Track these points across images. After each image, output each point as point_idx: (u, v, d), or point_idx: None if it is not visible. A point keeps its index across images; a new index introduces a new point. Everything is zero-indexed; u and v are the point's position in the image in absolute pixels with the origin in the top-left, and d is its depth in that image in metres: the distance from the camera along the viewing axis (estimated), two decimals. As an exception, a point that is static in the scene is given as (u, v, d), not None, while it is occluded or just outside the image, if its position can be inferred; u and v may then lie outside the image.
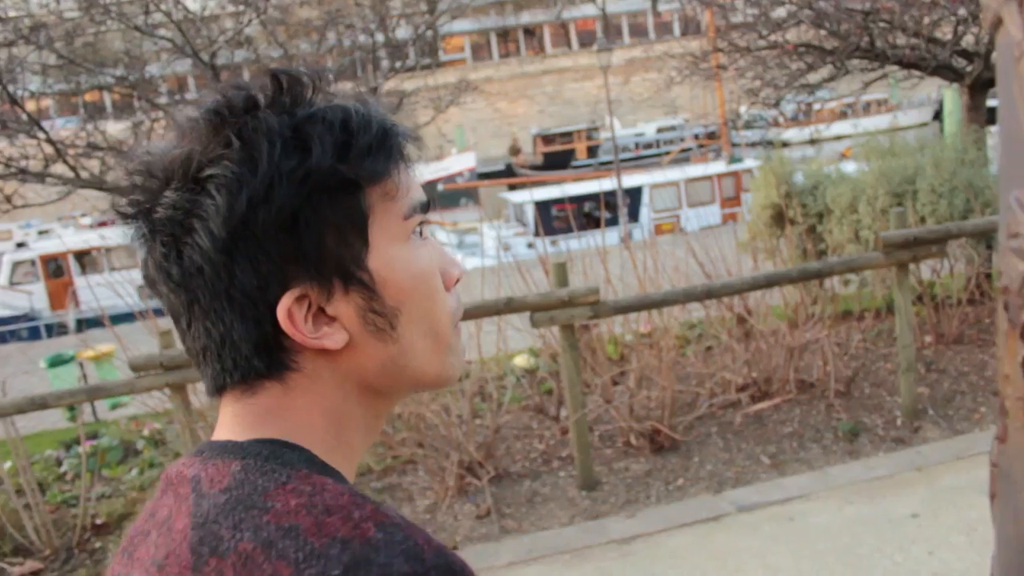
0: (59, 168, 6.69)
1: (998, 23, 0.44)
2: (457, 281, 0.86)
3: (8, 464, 5.96)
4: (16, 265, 22.29)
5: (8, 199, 6.42)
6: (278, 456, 0.73)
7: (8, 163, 6.40)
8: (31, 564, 4.97)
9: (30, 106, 6.92)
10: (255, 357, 0.76)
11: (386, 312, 0.78)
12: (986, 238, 6.76)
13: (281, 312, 0.74)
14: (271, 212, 0.72)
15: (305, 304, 0.75)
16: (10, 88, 6.11)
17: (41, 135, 6.25)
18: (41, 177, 6.31)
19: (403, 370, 0.80)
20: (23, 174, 6.23)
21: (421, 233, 0.82)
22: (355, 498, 0.69)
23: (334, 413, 0.79)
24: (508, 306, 4.94)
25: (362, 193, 0.77)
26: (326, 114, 0.76)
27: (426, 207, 0.82)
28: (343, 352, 0.78)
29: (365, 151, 0.76)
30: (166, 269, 0.75)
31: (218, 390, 0.79)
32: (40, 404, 4.73)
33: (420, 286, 0.80)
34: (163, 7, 6.41)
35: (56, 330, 19.41)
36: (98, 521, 5.35)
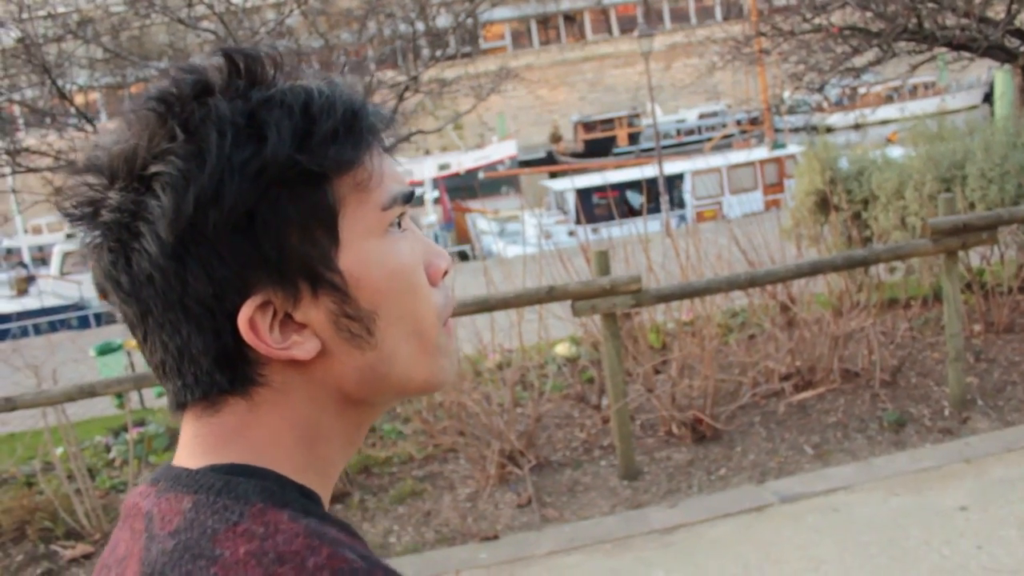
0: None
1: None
2: (445, 274, 0.78)
3: (60, 450, 6.11)
4: (66, 255, 22.80)
5: (58, 191, 6.55)
6: (232, 489, 0.66)
7: (58, 156, 6.53)
8: (82, 547, 5.09)
9: (78, 100, 7.04)
10: (216, 372, 0.69)
11: (361, 316, 0.71)
12: (1038, 224, 6.60)
13: (242, 322, 0.67)
14: (222, 212, 0.65)
15: (269, 311, 0.68)
16: (59, 82, 6.23)
17: (89, 128, 6.37)
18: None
19: (385, 378, 0.73)
20: (73, 167, 6.35)
21: (400, 224, 0.74)
22: (310, 540, 0.63)
23: (306, 428, 0.72)
24: (550, 295, 4.94)
25: (329, 185, 0.69)
26: (285, 97, 0.68)
27: (409, 198, 0.74)
28: (316, 362, 0.70)
29: (329, 137, 0.69)
30: (115, 278, 0.68)
31: (179, 407, 0.72)
32: (89, 392, 4.83)
33: (399, 284, 0.72)
34: (208, 1, 6.49)
35: (105, 319, 19.80)
36: (146, 507, 5.45)
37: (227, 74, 0.69)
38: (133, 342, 9.70)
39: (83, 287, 21.87)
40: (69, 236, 24.27)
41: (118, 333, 13.16)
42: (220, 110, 0.67)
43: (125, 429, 6.88)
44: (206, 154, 0.65)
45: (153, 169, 0.66)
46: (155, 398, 9.07)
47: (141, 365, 9.74)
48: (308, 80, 0.71)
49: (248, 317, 0.67)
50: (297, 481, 0.70)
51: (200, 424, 0.71)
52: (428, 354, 0.75)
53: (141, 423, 7.16)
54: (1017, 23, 7.96)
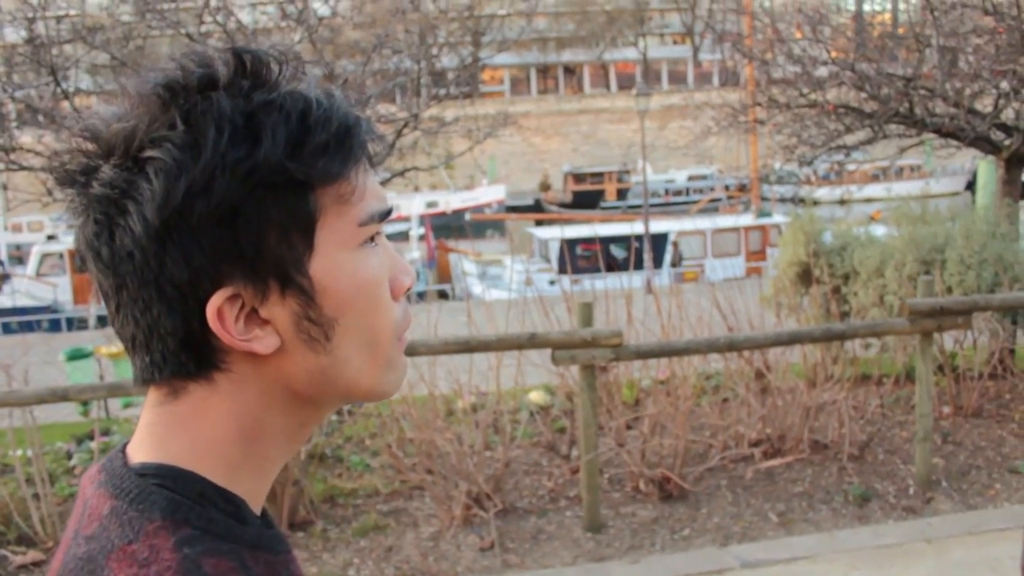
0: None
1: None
2: (407, 290, 0.80)
3: (19, 452, 6.02)
4: (44, 257, 22.60)
5: (50, 192, 6.54)
6: (143, 499, 0.70)
7: (52, 157, 6.52)
8: (33, 554, 5.00)
9: (77, 103, 7.06)
10: (182, 352, 0.72)
11: (322, 321, 0.73)
12: (1012, 313, 6.72)
13: (210, 310, 0.70)
14: (209, 204, 0.68)
15: (237, 304, 0.71)
16: (63, 85, 6.26)
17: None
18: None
19: (333, 381, 0.76)
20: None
21: (374, 239, 0.77)
22: (184, 565, 0.66)
23: (250, 422, 0.75)
24: (531, 341, 4.97)
25: (312, 193, 0.71)
26: (285, 102, 0.71)
27: (385, 215, 0.77)
28: (272, 357, 0.73)
29: (321, 149, 0.71)
30: (96, 248, 0.71)
31: (144, 382, 0.75)
32: (61, 396, 4.79)
33: (364, 296, 0.75)
34: (218, 18, 6.56)
35: (76, 324, 19.58)
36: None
37: (233, 71, 0.71)
38: (104, 349, 9.63)
39: (58, 290, 21.66)
40: (50, 238, 24.09)
41: (89, 339, 13.03)
42: (221, 106, 0.69)
43: (90, 437, 6.80)
44: (202, 147, 0.68)
45: (149, 153, 0.68)
46: (121, 408, 8.97)
47: (110, 374, 9.66)
48: (309, 87, 0.74)
49: (217, 307, 0.70)
50: (222, 484, 0.73)
51: (156, 412, 0.75)
52: (378, 366, 0.77)
53: (106, 432, 7.08)
54: (1003, 117, 8.17)
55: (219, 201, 0.68)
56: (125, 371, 9.39)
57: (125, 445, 0.77)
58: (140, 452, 0.75)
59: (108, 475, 0.74)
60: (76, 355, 10.20)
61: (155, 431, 0.75)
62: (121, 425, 7.69)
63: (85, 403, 8.09)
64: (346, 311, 0.74)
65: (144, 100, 0.71)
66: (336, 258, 0.73)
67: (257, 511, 0.78)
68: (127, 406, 8.85)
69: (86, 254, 0.72)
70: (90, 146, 0.71)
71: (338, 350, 0.75)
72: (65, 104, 6.73)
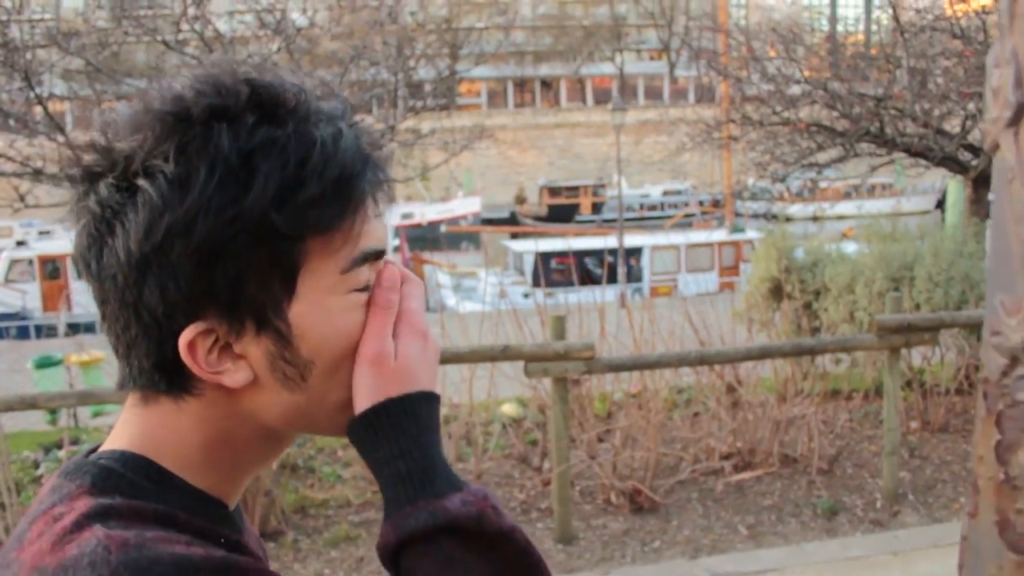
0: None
1: (996, 147, 0.50)
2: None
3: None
4: (14, 263, 22.30)
5: (22, 198, 6.48)
6: (77, 471, 0.72)
7: (25, 162, 6.48)
8: (-1, 564, 4.93)
9: (52, 109, 7.01)
10: (155, 372, 0.72)
11: (299, 363, 0.73)
12: (978, 330, 6.82)
13: (182, 342, 0.70)
14: (188, 246, 0.68)
15: (211, 338, 0.71)
16: (37, 90, 6.21)
17: (61, 138, 6.34)
18: (56, 179, 6.39)
19: (309, 417, 0.76)
20: (38, 175, 6.31)
21: (366, 287, 0.76)
22: (83, 519, 0.66)
23: (219, 440, 0.75)
24: (504, 353, 4.99)
25: (299, 243, 0.70)
26: (288, 143, 0.69)
27: (376, 256, 0.76)
28: (245, 390, 0.73)
29: (313, 200, 0.69)
30: (87, 260, 0.72)
31: (121, 387, 0.76)
32: (30, 404, 4.74)
33: (345, 343, 0.74)
34: (196, 27, 6.54)
35: (45, 332, 19.34)
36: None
37: (244, 104, 0.70)
38: (74, 357, 9.53)
39: (27, 297, 21.39)
40: (19, 244, 23.79)
41: (58, 347, 12.89)
42: (219, 144, 0.68)
43: (58, 446, 6.73)
44: (190, 187, 0.67)
45: (142, 182, 0.68)
46: (91, 418, 8.88)
47: (80, 382, 9.55)
48: (321, 125, 0.71)
49: (188, 340, 0.70)
50: (179, 474, 0.74)
51: (131, 414, 0.76)
52: (349, 404, 0.76)
53: (75, 442, 7.00)
54: (971, 138, 8.33)
55: (199, 243, 0.68)
56: (95, 379, 9.29)
57: (98, 445, 0.78)
58: (106, 445, 0.77)
59: (64, 465, 0.76)
60: (45, 363, 10.07)
61: (124, 428, 0.76)
62: (90, 434, 7.61)
63: (53, 412, 8.01)
64: (324, 354, 0.74)
65: (152, 120, 0.70)
66: (318, 303, 0.72)
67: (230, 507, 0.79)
68: (97, 415, 8.76)
69: (78, 261, 0.73)
70: (92, 151, 0.71)
71: (314, 389, 0.74)
72: (38, 109, 6.68)
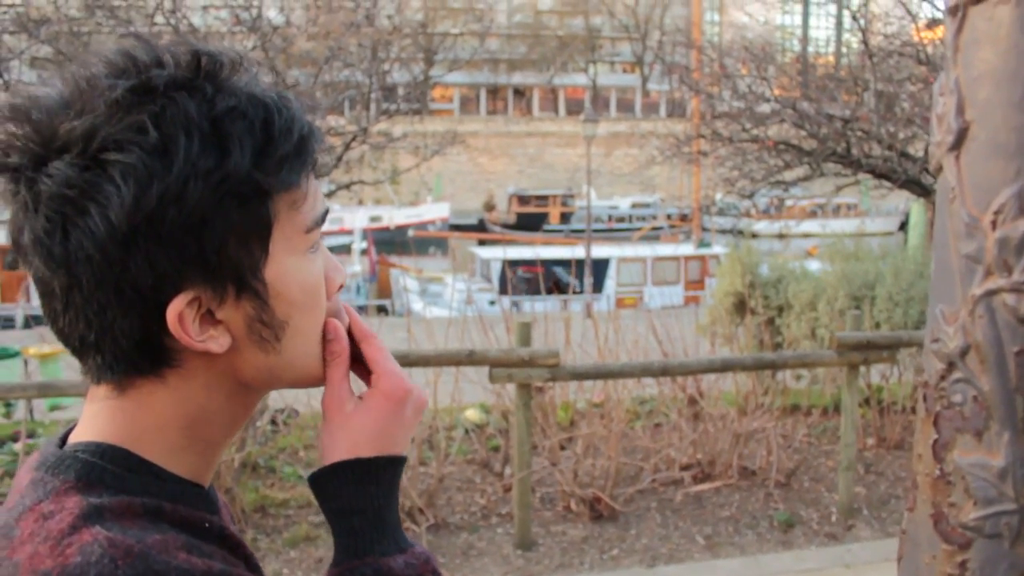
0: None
1: (939, 168, 0.55)
2: (340, 288, 0.84)
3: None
4: (-28, 253, 21.92)
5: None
6: (59, 465, 0.72)
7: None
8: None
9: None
10: (136, 353, 0.73)
11: (274, 324, 0.76)
12: (935, 351, 6.96)
13: (171, 314, 0.71)
14: (181, 212, 0.69)
15: (195, 306, 0.73)
16: (5, 76, 6.14)
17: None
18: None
19: (280, 377, 0.80)
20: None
21: (314, 245, 0.80)
22: (78, 521, 0.66)
23: (194, 413, 0.77)
24: (469, 358, 5.01)
25: (271, 201, 0.73)
26: (247, 110, 0.72)
27: (323, 218, 0.80)
28: (224, 355, 0.75)
29: (283, 159, 0.73)
30: (47, 246, 0.69)
31: (97, 382, 0.76)
32: (-12, 395, 4.68)
33: (309, 299, 0.79)
34: (171, 20, 6.50)
35: (2, 323, 19.01)
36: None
37: (193, 72, 0.71)
38: (32, 349, 9.39)
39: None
40: (-21, 234, 23.36)
41: (15, 339, 12.70)
42: (188, 112, 0.69)
43: (13, 439, 6.64)
44: (173, 155, 0.68)
45: (114, 156, 0.67)
46: (47, 411, 8.76)
47: (39, 375, 9.42)
48: (266, 92, 0.74)
49: (178, 311, 0.71)
50: (156, 461, 0.75)
51: (100, 405, 0.76)
52: (315, 359, 0.81)
53: (31, 435, 6.91)
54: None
55: (191, 209, 0.69)
56: (53, 372, 9.18)
57: (66, 434, 0.79)
58: (77, 435, 0.77)
59: (41, 455, 0.76)
60: (1, 354, 9.93)
61: (96, 420, 0.76)
62: (47, 428, 7.52)
63: (8, 404, 7.90)
64: (294, 313, 0.77)
65: (102, 95, 0.69)
66: (286, 262, 0.76)
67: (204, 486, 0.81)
68: (53, 409, 8.65)
69: (29, 249, 0.70)
70: (29, 133, 0.69)
71: (286, 351, 0.78)
72: (2, 96, 6.59)
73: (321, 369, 0.82)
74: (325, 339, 0.82)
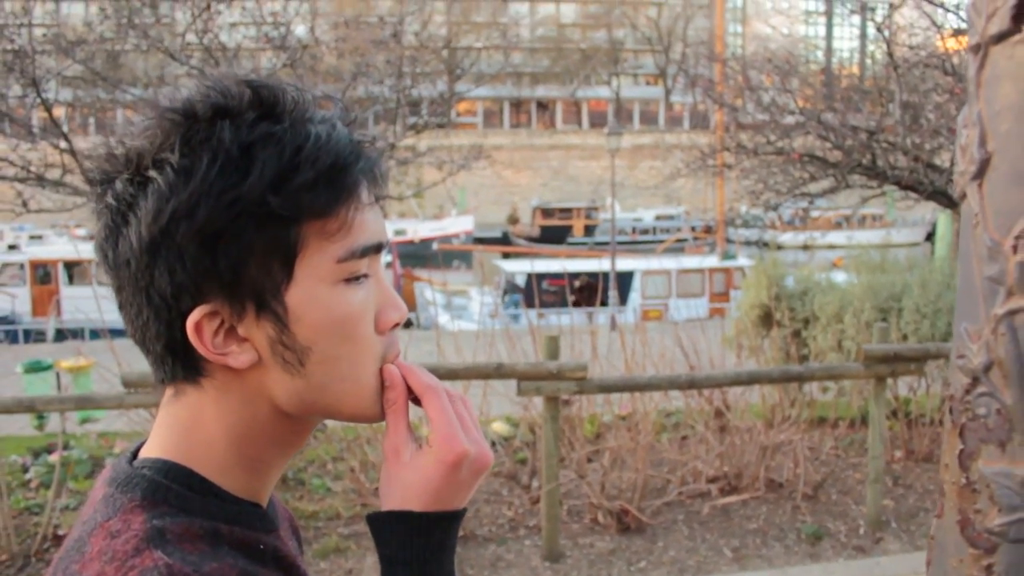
0: (74, 178, 6.83)
1: (963, 195, 0.59)
2: (395, 326, 0.84)
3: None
4: (4, 266, 22.27)
5: (25, 204, 6.53)
6: (128, 482, 0.77)
7: (26, 167, 6.53)
8: (-12, 567, 4.95)
9: (56, 114, 7.07)
10: (167, 356, 0.78)
11: (296, 348, 0.77)
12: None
13: (189, 324, 0.75)
14: (191, 227, 0.72)
15: (217, 320, 0.76)
16: (43, 95, 6.28)
17: (64, 144, 6.40)
18: (56, 185, 6.44)
19: (311, 404, 0.80)
20: (40, 180, 6.36)
21: (363, 275, 0.80)
22: (140, 543, 0.71)
23: (237, 428, 0.80)
24: (498, 371, 5.05)
25: (296, 226, 0.75)
26: (284, 136, 0.75)
27: (376, 249, 0.80)
28: (251, 371, 0.78)
29: (307, 185, 0.74)
30: (104, 251, 0.77)
31: (159, 381, 0.81)
32: (27, 407, 4.79)
33: (340, 331, 0.78)
34: (203, 40, 6.62)
35: (34, 336, 19.28)
36: (60, 532, 5.35)
37: (246, 103, 0.76)
38: (64, 363, 9.53)
39: (17, 301, 21.34)
40: (11, 247, 23.76)
41: (48, 352, 12.88)
42: (221, 136, 0.74)
43: (48, 450, 6.75)
44: (193, 173, 0.73)
45: (152, 173, 0.74)
46: (77, 424, 8.89)
47: (69, 387, 9.56)
48: (317, 123, 0.77)
49: (196, 321, 0.75)
50: (213, 479, 0.79)
51: (163, 412, 0.81)
52: (360, 396, 0.81)
53: (65, 447, 7.02)
54: (962, 173, 8.45)
55: (201, 225, 0.72)
56: (85, 385, 9.31)
57: (138, 448, 0.84)
58: (146, 449, 0.82)
59: (113, 470, 0.81)
60: (34, 367, 10.07)
61: (159, 430, 0.81)
62: (79, 440, 7.64)
63: (40, 416, 8.03)
64: (320, 341, 0.78)
65: (160, 120, 0.76)
66: (314, 290, 0.77)
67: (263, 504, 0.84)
68: (84, 421, 8.77)
69: (98, 254, 0.78)
70: (117, 155, 0.77)
71: (313, 376, 0.79)
72: (37, 114, 6.74)
73: (374, 408, 0.83)
74: (383, 384, 0.83)
